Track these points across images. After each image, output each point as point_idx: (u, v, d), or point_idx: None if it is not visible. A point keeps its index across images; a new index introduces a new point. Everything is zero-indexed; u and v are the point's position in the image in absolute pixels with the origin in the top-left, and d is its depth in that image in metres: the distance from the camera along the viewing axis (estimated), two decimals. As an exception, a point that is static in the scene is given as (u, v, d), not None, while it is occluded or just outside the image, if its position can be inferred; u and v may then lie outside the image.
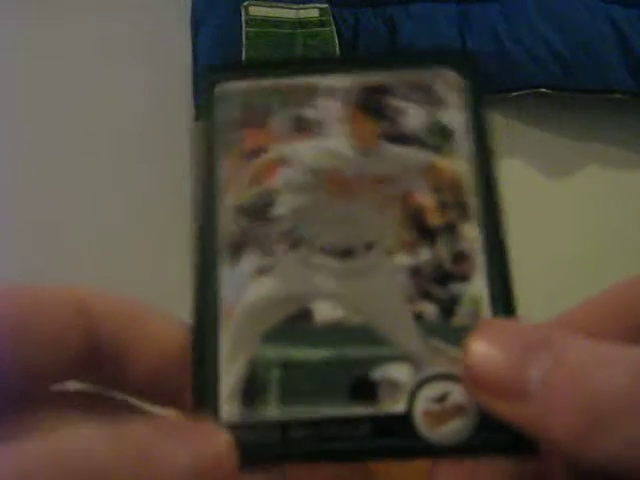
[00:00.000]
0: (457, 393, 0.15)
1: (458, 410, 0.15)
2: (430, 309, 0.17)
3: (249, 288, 0.17)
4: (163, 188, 0.63)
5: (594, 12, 0.57)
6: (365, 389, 0.16)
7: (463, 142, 0.18)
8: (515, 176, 0.66)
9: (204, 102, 0.19)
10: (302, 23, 0.52)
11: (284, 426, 0.16)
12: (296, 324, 0.17)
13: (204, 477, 0.13)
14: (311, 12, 0.52)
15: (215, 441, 0.14)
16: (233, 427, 0.15)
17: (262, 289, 0.17)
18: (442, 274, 0.17)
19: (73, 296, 0.15)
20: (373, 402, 0.16)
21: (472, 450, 0.15)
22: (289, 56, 0.51)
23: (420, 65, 0.19)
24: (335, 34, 0.54)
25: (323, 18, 0.53)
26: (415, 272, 0.17)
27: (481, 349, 0.14)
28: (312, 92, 0.19)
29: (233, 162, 0.18)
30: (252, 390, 0.16)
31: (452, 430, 0.15)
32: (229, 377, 0.16)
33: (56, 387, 0.15)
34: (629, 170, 0.66)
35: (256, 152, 0.18)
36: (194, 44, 0.51)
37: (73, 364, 0.14)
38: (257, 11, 0.50)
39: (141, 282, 0.65)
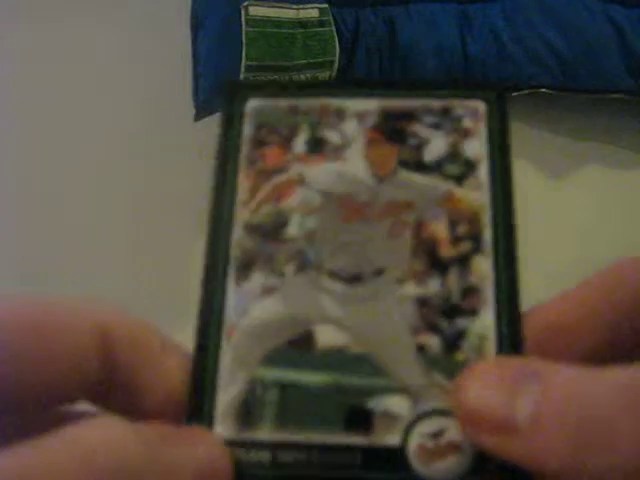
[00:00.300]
0: (453, 430, 0.15)
1: (453, 448, 0.15)
2: (434, 342, 0.17)
3: (254, 308, 0.17)
4: (163, 188, 0.63)
5: (594, 12, 0.57)
6: (361, 419, 0.16)
7: (485, 174, 0.18)
8: (515, 176, 0.66)
9: (229, 117, 0.19)
10: (302, 23, 0.51)
11: (275, 447, 0.16)
12: (298, 347, 0.17)
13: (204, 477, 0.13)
14: (311, 12, 0.52)
15: (208, 442, 0.14)
16: (225, 444, 0.16)
17: (267, 309, 0.17)
18: (450, 307, 0.17)
19: (96, 319, 0.15)
20: (368, 432, 0.16)
21: None
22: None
23: (447, 94, 0.19)
24: (335, 34, 0.54)
25: (323, 18, 0.53)
26: (423, 303, 0.17)
27: (471, 386, 0.14)
28: (337, 114, 0.19)
29: (252, 179, 0.18)
30: (248, 409, 0.16)
31: (446, 467, 0.15)
32: (226, 394, 0.16)
33: (65, 406, 0.15)
34: (629, 170, 0.66)
35: (276, 171, 0.18)
36: (194, 44, 0.51)
37: (88, 386, 0.14)
38: (257, 11, 0.49)
39: (139, 282, 0.65)
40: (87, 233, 0.64)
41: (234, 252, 0.18)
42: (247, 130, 0.19)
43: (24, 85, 0.61)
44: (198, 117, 0.50)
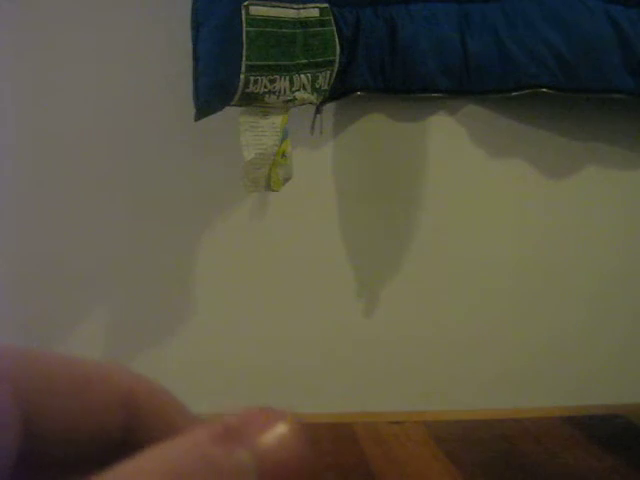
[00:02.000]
0: None
1: None
2: None
3: None
4: (162, 188, 0.63)
5: (594, 12, 0.57)
6: None
7: None
8: (515, 176, 0.66)
9: None
10: (302, 23, 0.51)
11: None
12: None
13: (270, 469, 0.12)
14: (312, 12, 0.52)
15: (277, 428, 0.13)
16: None
17: None
18: None
19: (121, 387, 0.15)
20: None
21: None
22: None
23: None
24: (335, 34, 0.54)
25: (324, 18, 0.53)
26: None
27: None
28: None
29: None
30: None
31: None
32: None
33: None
34: (629, 170, 0.66)
35: None
36: (194, 44, 0.51)
37: (109, 446, 0.15)
38: (258, 11, 0.49)
39: (139, 279, 0.65)
40: (87, 232, 0.64)
41: None
42: None
43: (24, 85, 0.61)
44: (198, 117, 0.50)
